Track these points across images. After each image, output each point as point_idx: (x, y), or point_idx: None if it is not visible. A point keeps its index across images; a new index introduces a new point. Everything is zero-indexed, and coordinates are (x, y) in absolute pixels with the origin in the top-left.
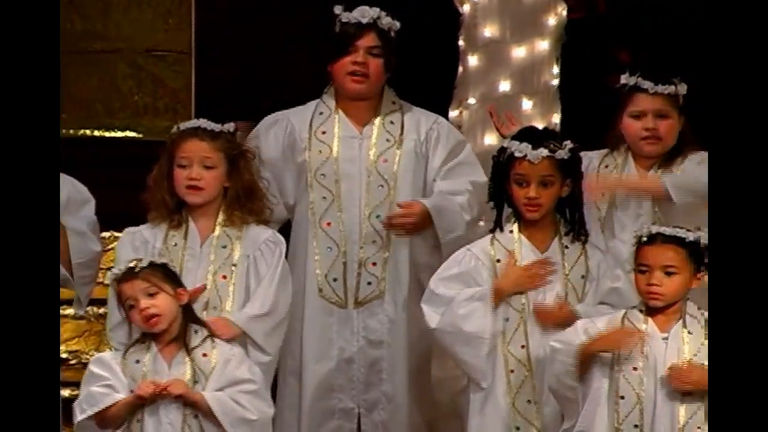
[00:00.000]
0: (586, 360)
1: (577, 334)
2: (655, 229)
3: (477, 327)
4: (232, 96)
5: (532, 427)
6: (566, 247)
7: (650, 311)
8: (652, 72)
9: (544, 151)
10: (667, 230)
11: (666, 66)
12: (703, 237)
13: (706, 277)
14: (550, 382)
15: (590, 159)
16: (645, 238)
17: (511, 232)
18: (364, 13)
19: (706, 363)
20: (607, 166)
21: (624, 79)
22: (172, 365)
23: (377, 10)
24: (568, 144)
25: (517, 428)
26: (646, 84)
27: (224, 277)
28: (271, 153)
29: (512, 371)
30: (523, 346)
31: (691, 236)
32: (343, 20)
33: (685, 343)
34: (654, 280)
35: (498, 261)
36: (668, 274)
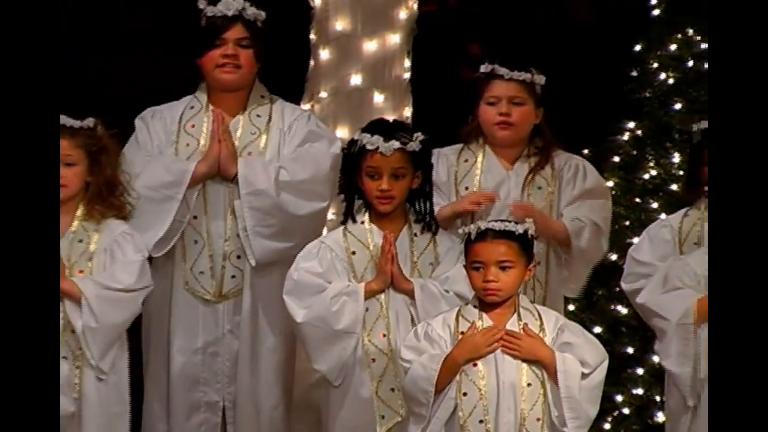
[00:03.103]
0: (452, 369)
1: (419, 338)
2: (484, 225)
3: (348, 323)
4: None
5: (396, 415)
6: (415, 235)
7: (484, 306)
8: (509, 59)
9: (395, 144)
10: (496, 225)
11: (510, 59)
12: (531, 228)
13: (535, 269)
14: (406, 384)
15: (446, 156)
16: (474, 235)
17: (363, 223)
18: (229, 6)
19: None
20: (466, 160)
21: (483, 68)
22: None
23: (241, 1)
24: (419, 136)
25: (382, 417)
26: (502, 70)
27: (81, 271)
28: (160, 143)
29: (373, 360)
30: (384, 335)
31: (520, 229)
32: (209, 14)
33: None
34: (490, 276)
35: (353, 253)
36: (503, 268)
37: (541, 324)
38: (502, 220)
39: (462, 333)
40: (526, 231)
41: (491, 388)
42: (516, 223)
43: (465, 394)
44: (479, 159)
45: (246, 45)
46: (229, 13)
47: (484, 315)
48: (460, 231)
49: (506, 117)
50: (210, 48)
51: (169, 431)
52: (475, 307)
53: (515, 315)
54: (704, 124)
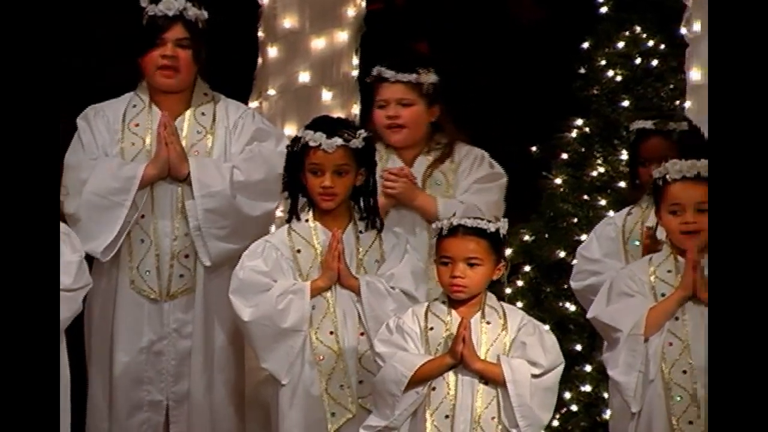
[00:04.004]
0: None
1: (392, 331)
2: (456, 221)
3: (294, 321)
4: None
5: (347, 412)
6: (360, 232)
7: (452, 302)
8: (396, 61)
9: (338, 140)
10: (468, 221)
11: (457, 57)
12: (503, 227)
13: (504, 268)
14: (377, 381)
15: None
16: (446, 230)
17: (307, 221)
18: (170, 6)
19: (502, 353)
20: None
21: (374, 71)
22: None
23: (183, 1)
24: (362, 133)
25: (333, 414)
26: (388, 73)
27: None
28: (104, 142)
29: (322, 358)
30: (332, 333)
31: (492, 227)
32: (150, 13)
33: (483, 333)
34: (457, 272)
35: (298, 251)
36: (471, 265)
37: (505, 322)
38: (475, 218)
39: (431, 329)
40: (497, 230)
41: (450, 383)
42: (488, 221)
43: (434, 388)
44: (383, 160)
45: (185, 45)
46: (170, 13)
47: (453, 311)
48: (433, 226)
49: (394, 119)
50: (150, 47)
51: (111, 430)
52: (443, 303)
53: (479, 312)
54: (639, 124)
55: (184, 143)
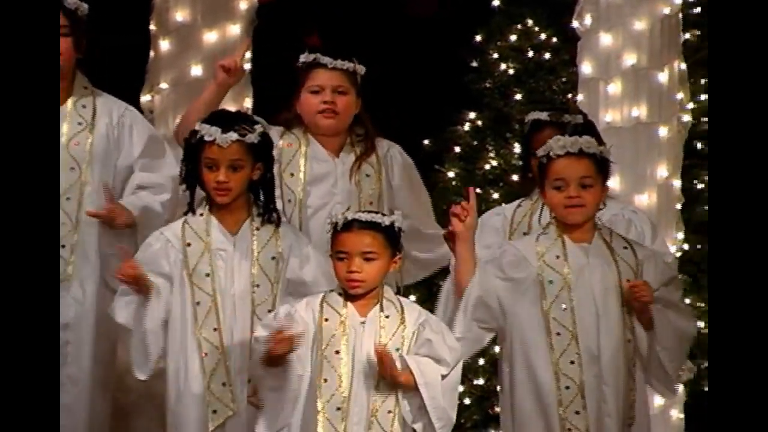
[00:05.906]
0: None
1: (277, 317)
2: (350, 216)
3: (124, 319)
4: None
5: (227, 410)
6: (257, 228)
7: (349, 296)
8: (332, 49)
9: (233, 135)
10: (363, 216)
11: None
12: (398, 221)
13: (400, 261)
14: (251, 368)
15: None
16: (341, 225)
17: (202, 215)
18: None
19: (402, 347)
20: (290, 145)
21: (303, 57)
22: None
23: None
24: (259, 128)
25: (214, 411)
26: (326, 59)
27: None
28: None
29: (206, 354)
30: (215, 329)
31: (386, 221)
32: None
33: (381, 327)
34: (354, 266)
35: (189, 245)
36: (367, 260)
37: (402, 317)
38: (369, 212)
39: (326, 320)
40: (392, 223)
41: (347, 376)
42: (383, 214)
43: (325, 380)
44: (302, 146)
45: (65, 33)
46: None
47: (349, 304)
48: (328, 221)
49: (331, 105)
50: None
51: None
52: (339, 295)
53: (378, 306)
54: (534, 115)
55: (64, 135)
